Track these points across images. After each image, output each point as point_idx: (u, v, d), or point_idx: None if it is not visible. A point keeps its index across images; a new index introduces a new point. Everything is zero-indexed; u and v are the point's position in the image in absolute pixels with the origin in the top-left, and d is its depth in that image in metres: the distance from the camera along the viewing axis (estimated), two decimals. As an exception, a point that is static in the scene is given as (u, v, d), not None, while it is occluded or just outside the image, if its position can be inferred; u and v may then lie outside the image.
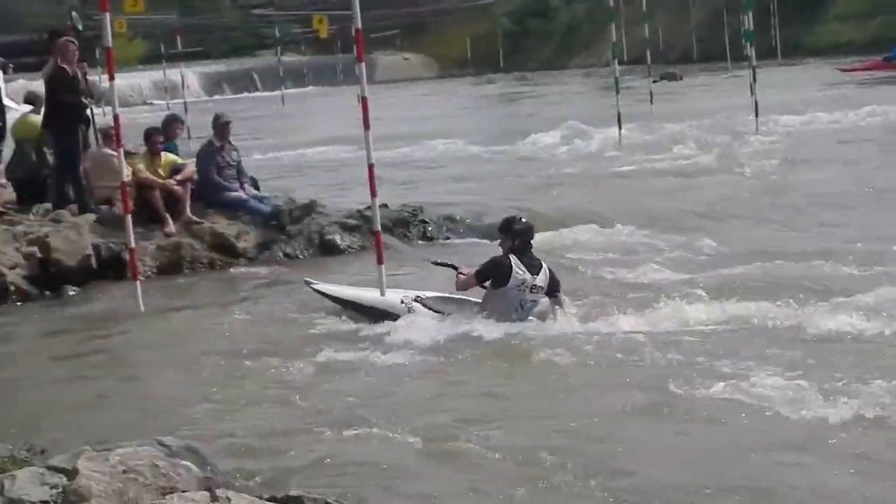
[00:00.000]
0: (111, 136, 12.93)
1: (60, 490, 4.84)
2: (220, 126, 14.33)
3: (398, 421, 7.12)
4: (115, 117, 11.37)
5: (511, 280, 9.30)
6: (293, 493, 5.14)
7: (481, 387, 7.94)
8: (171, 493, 4.85)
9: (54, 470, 5.01)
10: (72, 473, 4.91)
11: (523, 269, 9.33)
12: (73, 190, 13.72)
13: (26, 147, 14.74)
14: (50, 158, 14.20)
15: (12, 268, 12.11)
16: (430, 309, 9.72)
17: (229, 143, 14.37)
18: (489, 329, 9.13)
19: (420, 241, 14.03)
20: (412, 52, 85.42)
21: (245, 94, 68.27)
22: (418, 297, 9.95)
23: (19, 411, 7.89)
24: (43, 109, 14.02)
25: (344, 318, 10.09)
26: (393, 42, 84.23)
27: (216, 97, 66.02)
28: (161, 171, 13.76)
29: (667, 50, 65.29)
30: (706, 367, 7.82)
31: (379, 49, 76.94)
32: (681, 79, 49.92)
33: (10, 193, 14.76)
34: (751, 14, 26.57)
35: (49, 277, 12.26)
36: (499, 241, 9.72)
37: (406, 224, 14.19)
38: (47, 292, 12.17)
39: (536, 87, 55.83)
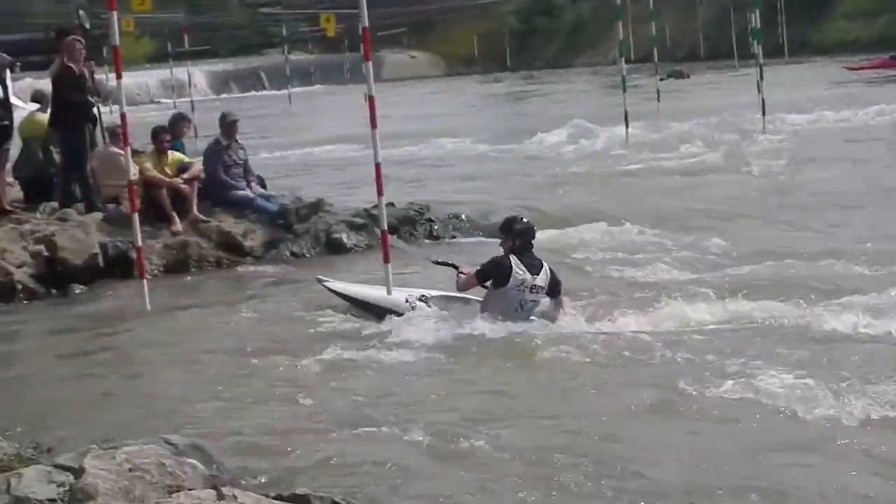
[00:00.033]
0: (118, 134, 12.96)
1: (67, 488, 4.84)
2: (227, 125, 14.34)
3: (405, 420, 7.11)
4: (123, 116, 11.38)
5: (511, 280, 9.29)
6: (299, 491, 5.14)
7: (488, 385, 7.93)
8: (178, 491, 4.85)
9: (61, 468, 5.01)
10: (78, 472, 4.91)
11: (523, 269, 9.32)
12: (79, 189, 13.73)
13: (33, 146, 14.76)
14: (57, 157, 14.21)
15: (19, 266, 12.12)
16: (434, 308, 9.72)
17: (236, 141, 14.37)
18: (494, 328, 9.12)
19: (426, 240, 14.04)
20: (419, 50, 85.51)
21: (252, 93, 68.38)
22: (423, 295, 9.96)
23: (26, 409, 7.89)
24: (49, 108, 14.04)
25: (350, 316, 10.09)
26: (400, 40, 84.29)
27: (223, 96, 66.15)
28: (168, 170, 13.77)
29: (674, 48, 65.31)
30: (715, 366, 7.79)
31: (386, 47, 77.03)
32: (688, 77, 49.91)
33: (16, 192, 14.78)
34: (758, 12, 26.53)
35: (56, 276, 12.27)
36: (500, 240, 9.72)
37: (413, 223, 14.20)
38: (54, 291, 12.18)
39: (543, 86, 55.84)
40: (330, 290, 10.55)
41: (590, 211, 15.02)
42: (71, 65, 13.39)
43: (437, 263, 10.49)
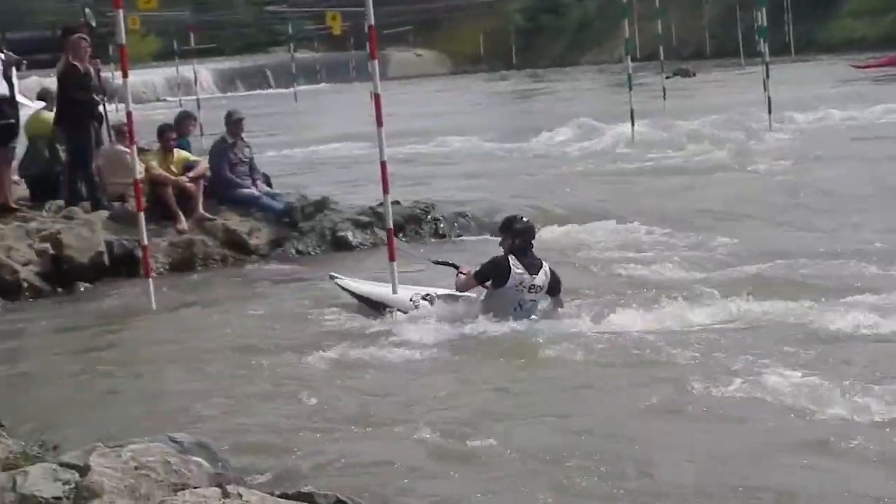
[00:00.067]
0: (124, 132, 12.95)
1: (73, 486, 4.85)
2: (233, 123, 14.34)
3: (411, 418, 7.11)
4: (128, 114, 11.38)
5: (510, 280, 9.28)
6: (304, 489, 5.14)
7: (494, 384, 7.92)
8: (183, 489, 4.86)
9: (66, 466, 5.02)
10: (84, 469, 4.91)
11: (522, 268, 9.31)
12: (85, 187, 13.74)
13: (39, 144, 14.77)
14: (63, 155, 14.22)
15: (25, 264, 12.14)
16: (438, 307, 9.71)
17: (242, 139, 14.38)
18: (499, 327, 9.12)
19: (432, 239, 14.05)
20: (425, 48, 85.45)
21: (258, 91, 68.32)
22: (428, 294, 9.96)
23: (32, 407, 7.90)
24: (55, 106, 14.06)
25: (355, 314, 10.09)
26: (406, 38, 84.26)
27: (229, 94, 66.08)
28: (174, 168, 13.78)
29: (679, 46, 65.24)
30: (723, 365, 7.76)
31: (392, 45, 76.98)
32: (694, 75, 49.84)
33: (23, 190, 14.80)
34: (764, 10, 26.50)
35: (61, 274, 12.28)
36: (500, 239, 9.71)
37: (418, 221, 14.20)
38: (60, 289, 12.19)
39: (549, 84, 55.80)
40: (341, 287, 10.57)
41: (596, 209, 15.01)
42: (76, 63, 13.40)
43: (438, 263, 10.49)
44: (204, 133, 22.41)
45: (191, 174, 13.76)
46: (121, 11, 10.98)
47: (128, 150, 11.89)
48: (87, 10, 16.64)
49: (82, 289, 12.21)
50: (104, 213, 13.31)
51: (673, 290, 9.99)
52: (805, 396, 6.99)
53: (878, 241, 11.78)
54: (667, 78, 34.21)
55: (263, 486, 5.60)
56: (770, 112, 23.88)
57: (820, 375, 7.34)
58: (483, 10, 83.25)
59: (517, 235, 9.45)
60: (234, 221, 13.70)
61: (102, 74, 15.10)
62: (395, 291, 10.20)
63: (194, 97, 35.65)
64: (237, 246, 13.43)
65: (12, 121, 13.54)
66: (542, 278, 9.39)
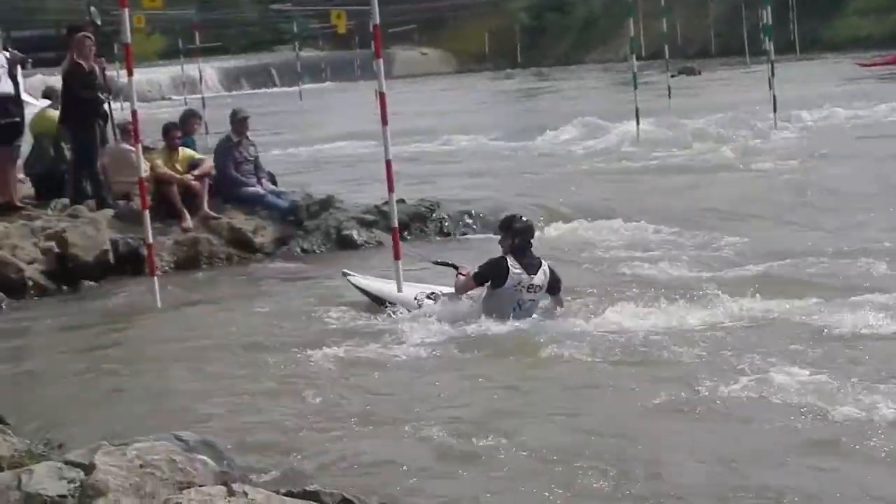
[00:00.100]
0: (129, 131, 12.97)
1: (78, 484, 4.84)
2: (238, 121, 14.35)
3: (417, 417, 7.10)
4: (134, 113, 11.38)
5: (508, 280, 9.28)
6: (310, 488, 5.13)
7: (499, 383, 7.90)
8: (188, 487, 4.85)
9: (72, 464, 5.01)
10: (89, 468, 4.91)
11: (520, 268, 9.30)
12: (90, 185, 13.76)
13: (44, 142, 14.79)
14: (68, 154, 14.23)
15: (30, 263, 12.14)
16: (442, 305, 9.70)
17: (247, 138, 14.38)
18: (505, 326, 9.11)
19: (437, 237, 14.05)
20: (430, 47, 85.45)
21: (263, 90, 68.37)
22: (433, 292, 9.95)
23: (37, 406, 7.90)
24: (60, 105, 14.07)
25: (360, 313, 10.08)
26: (411, 37, 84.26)
27: (234, 92, 66.15)
28: (179, 167, 13.79)
29: (685, 45, 65.19)
30: (732, 364, 7.73)
31: (397, 44, 77.00)
32: (699, 73, 49.82)
33: (28, 189, 14.81)
34: (769, 8, 26.46)
35: (67, 272, 12.29)
36: (499, 238, 9.69)
37: (423, 219, 14.20)
38: (65, 287, 12.20)
39: (554, 83, 55.79)
40: (353, 284, 10.59)
41: (601, 208, 15.00)
42: (81, 61, 13.41)
43: (437, 264, 10.49)
44: (209, 132, 22.37)
45: (196, 172, 13.77)
46: (126, 10, 10.98)
47: (133, 149, 11.90)
48: (92, 8, 16.63)
49: (87, 287, 12.21)
50: (109, 212, 13.32)
51: (679, 289, 9.97)
52: (813, 395, 6.96)
53: (885, 241, 11.76)
54: (672, 76, 34.18)
55: (269, 485, 5.59)
56: (775, 110, 23.87)
57: (828, 375, 7.32)
58: (488, 9, 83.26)
59: (516, 235, 9.44)
60: (239, 220, 13.70)
61: (108, 73, 15.12)
62: (399, 290, 10.20)
63: (199, 96, 35.66)
64: (242, 244, 13.43)
65: (17, 119, 13.55)
66: (541, 278, 9.37)
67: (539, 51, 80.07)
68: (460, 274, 9.75)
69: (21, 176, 14.71)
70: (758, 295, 9.49)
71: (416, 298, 9.94)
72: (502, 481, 6.03)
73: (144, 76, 54.50)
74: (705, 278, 10.56)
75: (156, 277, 11.10)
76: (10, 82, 13.34)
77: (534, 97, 47.46)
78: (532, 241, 9.55)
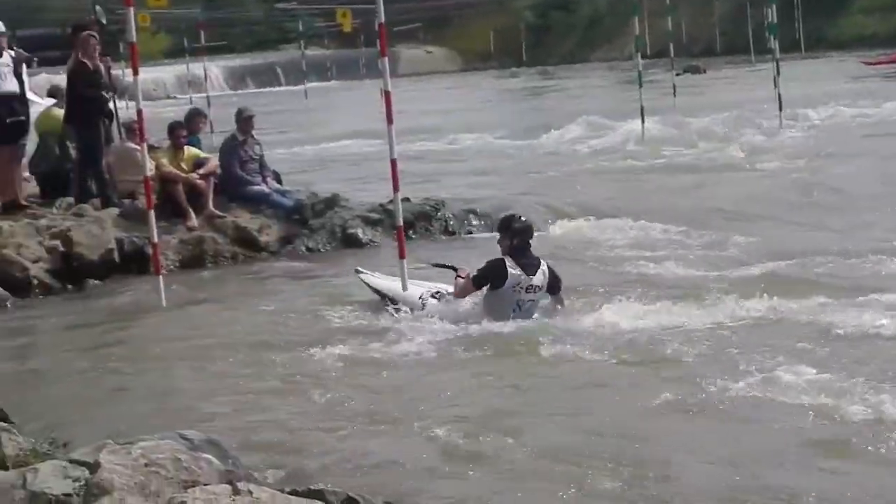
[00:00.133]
0: (134, 129, 12.97)
1: (83, 483, 4.84)
2: (243, 120, 14.35)
3: (422, 416, 7.10)
4: (139, 112, 11.39)
5: (507, 281, 9.27)
6: (314, 486, 5.13)
7: (505, 382, 7.89)
8: (193, 486, 4.85)
9: (76, 463, 5.01)
10: (94, 467, 4.91)
11: (519, 269, 9.29)
12: (95, 184, 13.76)
13: (49, 141, 14.78)
14: (73, 153, 14.24)
15: (35, 261, 12.15)
16: (446, 304, 9.69)
17: (252, 137, 14.38)
18: (510, 326, 9.10)
19: (442, 236, 14.04)
20: (435, 45, 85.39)
21: (268, 88, 68.33)
22: (438, 291, 9.95)
23: (41, 404, 7.90)
24: (64, 104, 14.08)
25: (365, 311, 10.09)
26: (416, 35, 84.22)
27: (239, 91, 66.10)
28: (184, 165, 13.79)
29: (690, 43, 65.11)
30: (738, 364, 7.69)
31: (402, 42, 76.96)
32: (704, 72, 49.78)
33: (33, 187, 14.81)
34: (774, 7, 26.41)
35: (72, 271, 12.30)
36: (497, 238, 9.67)
37: (428, 218, 14.20)
38: (70, 286, 12.20)
39: (559, 81, 55.76)
40: (363, 281, 10.61)
41: (606, 207, 14.98)
42: (85, 60, 13.42)
43: (437, 266, 10.48)
44: (214, 130, 22.41)
45: (201, 171, 13.77)
46: (131, 9, 10.98)
47: (138, 148, 11.90)
48: (97, 7, 16.67)
49: (92, 286, 12.22)
50: (114, 211, 13.32)
51: (685, 289, 9.96)
52: (821, 396, 6.93)
53: (893, 240, 11.68)
54: (677, 75, 34.15)
55: (274, 484, 5.59)
56: (781, 109, 23.83)
57: (835, 374, 7.28)
58: (493, 7, 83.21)
59: (515, 235, 9.43)
60: (245, 219, 13.70)
61: (113, 72, 15.12)
62: (405, 288, 10.20)
63: (205, 94, 35.66)
64: (247, 243, 13.43)
65: (23, 118, 13.56)
66: (540, 278, 9.36)
67: (544, 49, 79.99)
68: (459, 276, 9.73)
69: (26, 175, 14.71)
70: (764, 295, 9.45)
71: (420, 298, 9.94)
72: (508, 481, 6.01)
73: (150, 75, 54.46)
74: (711, 278, 10.56)
75: (161, 276, 11.11)
76: (15, 81, 13.34)
77: (539, 96, 47.43)
78: (531, 241, 9.53)
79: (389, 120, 10.57)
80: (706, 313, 9.14)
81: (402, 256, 10.35)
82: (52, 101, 15.61)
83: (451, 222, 14.27)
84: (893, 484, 5.79)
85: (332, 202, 14.18)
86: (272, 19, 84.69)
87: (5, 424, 5.89)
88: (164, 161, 13.66)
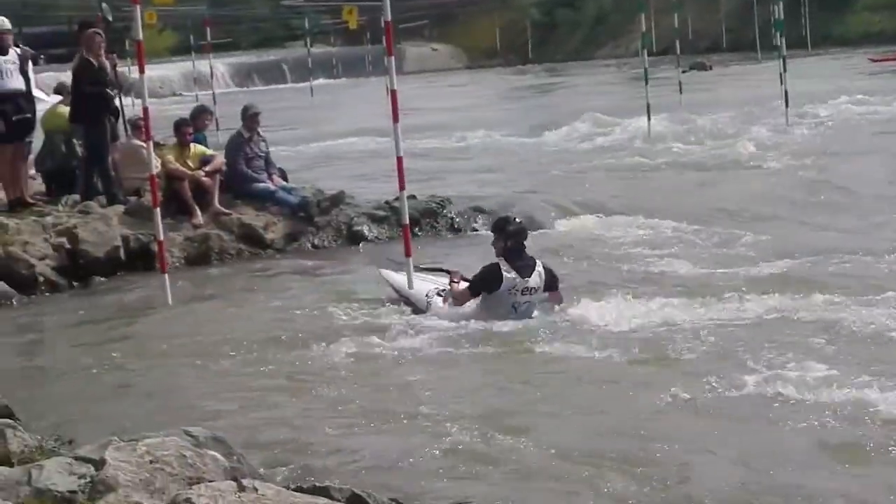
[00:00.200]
0: (140, 126, 13.00)
1: (88, 480, 4.84)
2: (249, 117, 14.35)
3: (427, 414, 7.09)
4: (145, 110, 11.39)
5: (502, 285, 9.26)
6: (319, 483, 5.13)
7: (512, 380, 7.88)
8: (198, 482, 4.85)
9: (82, 460, 5.01)
10: (99, 463, 4.91)
11: (514, 272, 9.28)
12: (101, 181, 13.76)
13: (55, 139, 14.79)
14: (79, 150, 14.24)
15: (41, 259, 12.17)
16: (445, 306, 9.68)
17: (258, 134, 14.38)
18: (516, 324, 9.10)
19: (448, 233, 14.03)
20: (441, 42, 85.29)
21: (274, 86, 68.30)
22: (445, 289, 9.93)
23: (47, 401, 7.92)
24: (70, 101, 14.09)
25: (371, 309, 10.08)
26: (421, 33, 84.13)
27: (245, 88, 66.09)
28: (190, 163, 13.80)
29: (696, 40, 64.93)
30: (747, 362, 7.66)
31: (407, 40, 76.91)
32: (710, 69, 49.66)
33: (39, 185, 14.84)
34: (781, 4, 26.37)
35: (77, 268, 12.32)
36: (492, 240, 9.66)
37: (434, 215, 14.19)
38: (76, 283, 12.23)
39: (565, 78, 55.70)
40: (383, 275, 10.62)
41: (612, 204, 14.95)
42: (90, 58, 13.42)
43: (428, 270, 10.47)
44: (220, 128, 22.40)
45: (207, 168, 13.78)
46: (138, 7, 10.99)
47: (144, 145, 11.91)
48: (103, 4, 16.64)
49: (98, 283, 12.23)
50: (120, 208, 13.33)
51: (693, 287, 9.94)
52: (833, 394, 6.88)
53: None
54: (683, 72, 34.11)
55: (279, 480, 5.60)
56: (787, 106, 23.78)
57: (847, 373, 7.23)
58: (498, 5, 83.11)
59: (509, 237, 9.42)
60: (250, 216, 13.71)
61: (119, 69, 15.13)
62: (410, 287, 10.20)
63: (211, 92, 35.65)
64: (253, 240, 13.44)
65: (29, 115, 13.57)
66: (535, 280, 9.34)
67: (550, 46, 79.88)
68: (453, 281, 9.70)
69: (32, 172, 14.73)
70: (774, 293, 9.43)
71: (426, 295, 9.93)
72: (515, 480, 6.00)
73: (155, 72, 54.42)
74: (719, 276, 10.52)
75: (166, 273, 11.11)
76: (21, 78, 13.35)
77: (545, 93, 47.35)
78: (525, 242, 9.52)
79: (395, 118, 10.57)
80: (715, 311, 9.11)
81: (408, 254, 10.35)
82: (58, 98, 15.62)
83: (457, 220, 14.26)
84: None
85: (337, 199, 14.18)
86: (278, 16, 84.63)
87: (11, 421, 5.90)
88: (170, 158, 13.68)
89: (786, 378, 7.22)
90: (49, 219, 12.93)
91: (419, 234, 13.43)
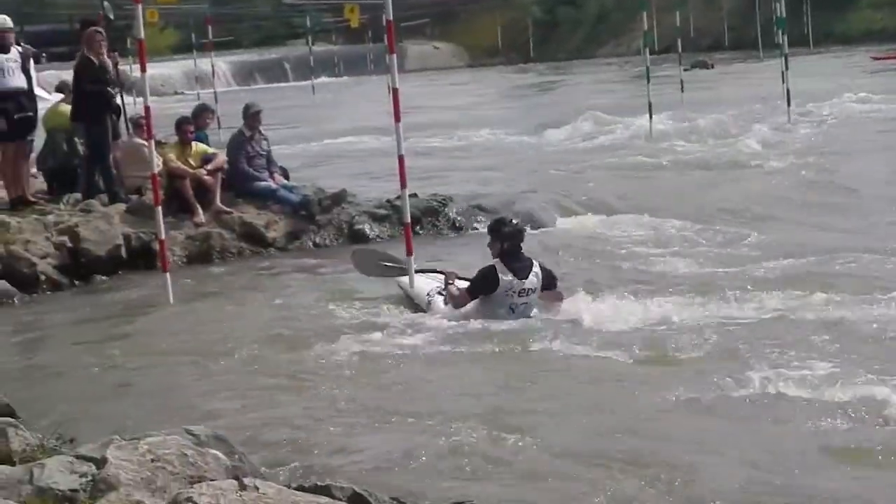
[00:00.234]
0: (142, 125, 12.99)
1: (89, 479, 4.84)
2: (251, 115, 14.35)
3: (430, 413, 7.07)
4: (146, 109, 11.38)
5: (499, 287, 9.25)
6: (321, 482, 5.12)
7: (516, 379, 7.85)
8: (200, 481, 4.84)
9: (83, 458, 5.00)
10: (101, 462, 4.91)
11: (510, 274, 9.26)
12: (102, 180, 13.76)
13: (57, 137, 14.80)
14: (81, 148, 14.25)
15: (43, 257, 12.16)
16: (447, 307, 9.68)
17: (259, 132, 14.38)
18: (517, 324, 9.08)
19: (450, 232, 14.02)
20: (442, 41, 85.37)
21: (276, 84, 68.32)
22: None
23: (48, 400, 7.91)
24: (71, 99, 14.09)
25: (373, 308, 10.08)
26: (423, 31, 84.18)
27: (247, 87, 66.11)
28: (192, 161, 13.80)
29: (698, 38, 65.00)
30: (751, 362, 7.62)
31: (409, 38, 76.94)
32: (712, 67, 49.70)
33: (40, 183, 14.84)
34: (783, 1, 26.36)
35: (79, 267, 12.32)
36: (487, 242, 9.64)
37: (435, 214, 14.19)
38: (77, 282, 12.23)
39: (567, 76, 55.71)
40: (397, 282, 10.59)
41: (615, 203, 14.95)
42: (91, 56, 13.42)
43: (423, 272, 10.46)
44: (222, 126, 22.40)
45: (209, 167, 13.78)
46: (140, 6, 10.97)
47: (145, 143, 11.91)
48: (105, 3, 16.67)
49: (100, 282, 12.24)
50: (121, 207, 13.32)
51: (695, 286, 9.92)
52: (837, 394, 6.84)
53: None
54: (685, 70, 34.07)
55: (280, 479, 5.59)
56: (789, 104, 23.78)
57: (851, 373, 7.19)
58: (500, 3, 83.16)
59: (506, 239, 9.40)
60: (252, 214, 13.71)
61: (120, 67, 15.13)
62: (412, 285, 10.19)
63: (212, 90, 35.59)
64: (254, 239, 13.44)
65: (30, 114, 13.57)
66: (532, 280, 9.32)
67: (551, 45, 79.95)
68: (450, 284, 9.68)
69: (34, 171, 14.73)
70: (777, 292, 9.39)
71: (428, 294, 9.92)
72: (518, 479, 5.98)
73: (157, 71, 54.49)
74: (721, 275, 10.50)
75: (168, 272, 11.10)
76: (23, 77, 13.36)
77: (546, 91, 47.34)
78: (522, 243, 9.50)
79: (397, 117, 10.55)
80: (717, 310, 9.08)
81: (409, 253, 10.35)
82: (59, 96, 15.62)
83: (459, 218, 14.25)
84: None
85: (339, 198, 14.18)
86: (280, 15, 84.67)
87: (12, 420, 5.90)
88: (172, 156, 13.68)
89: (789, 377, 7.19)
90: (51, 217, 12.93)
91: (420, 232, 13.43)
